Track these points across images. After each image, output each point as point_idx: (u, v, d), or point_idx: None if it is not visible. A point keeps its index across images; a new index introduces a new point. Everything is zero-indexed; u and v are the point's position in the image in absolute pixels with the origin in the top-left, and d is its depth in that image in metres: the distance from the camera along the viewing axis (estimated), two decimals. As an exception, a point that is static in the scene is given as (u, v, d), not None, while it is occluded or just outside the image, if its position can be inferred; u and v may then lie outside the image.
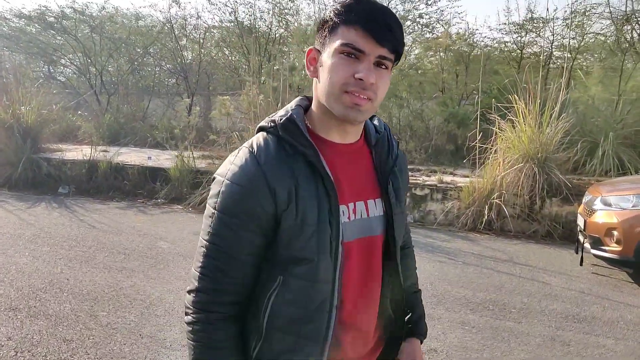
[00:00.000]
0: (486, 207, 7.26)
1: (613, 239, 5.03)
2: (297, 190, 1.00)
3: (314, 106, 1.11)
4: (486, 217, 7.17)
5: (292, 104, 1.12)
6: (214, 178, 1.06)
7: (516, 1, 15.19)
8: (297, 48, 12.38)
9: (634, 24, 12.32)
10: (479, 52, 11.80)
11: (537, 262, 5.81)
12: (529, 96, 7.48)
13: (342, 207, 1.06)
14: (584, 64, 12.56)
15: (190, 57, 15.47)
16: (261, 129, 1.10)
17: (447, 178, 8.39)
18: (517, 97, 7.68)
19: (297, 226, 1.01)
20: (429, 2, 14.12)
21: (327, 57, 1.03)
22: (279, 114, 1.08)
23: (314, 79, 1.09)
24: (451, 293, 4.72)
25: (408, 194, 7.97)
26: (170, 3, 18.87)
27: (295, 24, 14.41)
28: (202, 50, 14.95)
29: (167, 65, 15.78)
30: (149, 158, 9.65)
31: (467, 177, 8.60)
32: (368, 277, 1.13)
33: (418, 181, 8.24)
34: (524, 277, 5.24)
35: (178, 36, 14.97)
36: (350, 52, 1.00)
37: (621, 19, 12.16)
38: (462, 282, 5.04)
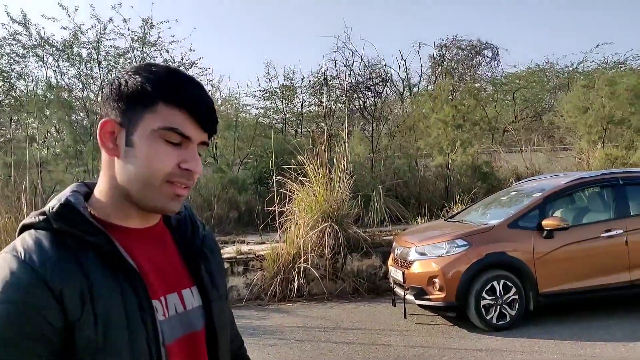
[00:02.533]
0: (294, 272, 6.93)
1: (436, 287, 5.22)
2: (92, 289, 0.82)
3: (103, 189, 0.93)
4: (296, 283, 6.83)
5: (67, 190, 0.94)
6: None
7: (275, 69, 16.04)
8: (36, 116, 10.35)
9: (359, 94, 14.40)
10: (248, 117, 11.89)
11: (365, 323, 5.66)
12: (317, 158, 7.63)
13: (155, 303, 0.89)
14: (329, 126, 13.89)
15: None
16: (25, 227, 0.88)
17: (244, 247, 7.82)
18: (303, 160, 7.77)
19: (99, 335, 0.80)
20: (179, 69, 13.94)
21: (140, 139, 0.88)
22: (49, 205, 0.89)
23: (111, 157, 0.91)
24: (308, 381, 4.09)
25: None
26: None
27: (25, 89, 12.20)
28: None
29: None
30: None
31: (263, 243, 8.22)
32: None
33: (215, 255, 7.43)
34: (364, 343, 4.97)
35: None
36: (174, 139, 0.88)
37: (349, 89, 14.06)
38: (310, 364, 4.47)
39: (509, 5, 30.08)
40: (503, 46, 22.30)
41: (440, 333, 5.20)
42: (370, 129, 12.32)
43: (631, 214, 5.40)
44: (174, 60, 14.09)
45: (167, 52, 13.94)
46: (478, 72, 13.81)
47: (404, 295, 5.53)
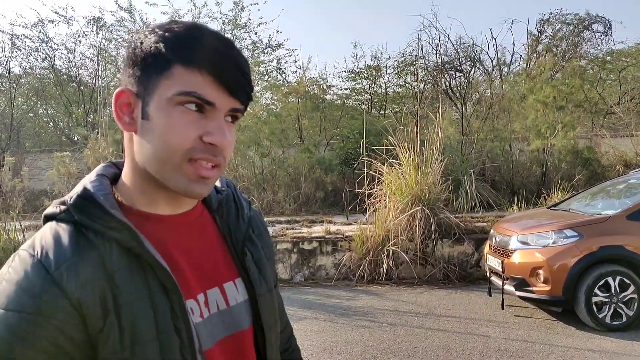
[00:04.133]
0: (383, 255, 6.82)
1: (540, 279, 4.88)
2: (116, 294, 0.70)
3: (127, 171, 0.81)
4: (385, 266, 6.71)
5: (92, 174, 0.81)
6: None
7: (362, 49, 15.88)
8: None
9: (444, 74, 13.77)
10: (334, 97, 11.81)
11: (458, 311, 5.44)
12: (408, 140, 7.40)
13: (190, 303, 0.77)
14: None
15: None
16: (48, 218, 0.76)
17: (333, 228, 7.81)
18: (393, 141, 7.56)
19: (126, 349, 0.69)
20: (266, 51, 14.13)
21: (156, 109, 0.74)
22: (74, 191, 0.77)
23: (130, 133, 0.78)
24: (405, 368, 3.99)
25: (290, 253, 7.19)
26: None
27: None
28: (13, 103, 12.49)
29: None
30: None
31: (350, 224, 8.18)
32: None
33: (303, 234, 7.50)
34: (460, 332, 4.77)
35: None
36: (196, 104, 0.73)
37: (435, 70, 13.48)
38: (405, 349, 4.35)
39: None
40: (618, 19, 20.41)
41: (543, 328, 4.87)
42: (461, 110, 11.77)
43: None
44: (261, 41, 14.35)
45: (256, 34, 14.22)
46: (584, 48, 12.69)
47: (502, 285, 5.24)
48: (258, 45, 14.37)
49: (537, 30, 12.48)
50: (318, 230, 7.70)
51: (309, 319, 5.27)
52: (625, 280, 4.67)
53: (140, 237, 0.74)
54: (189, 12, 14.10)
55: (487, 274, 5.75)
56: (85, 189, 0.77)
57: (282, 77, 14.11)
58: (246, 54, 14.59)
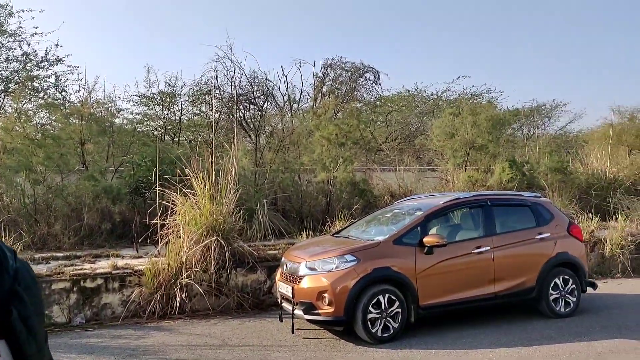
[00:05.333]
0: (176, 288, 6.59)
1: (325, 302, 5.30)
2: None
3: None
4: (178, 299, 6.49)
5: None
6: None
7: (156, 74, 15.16)
8: None
9: (239, 106, 14.32)
10: (123, 122, 11.12)
11: (252, 339, 5.56)
12: (203, 170, 7.39)
13: None
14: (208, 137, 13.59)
15: None
16: None
17: (121, 262, 7.24)
18: (187, 170, 7.47)
19: None
20: (42, 65, 12.72)
21: None
22: None
23: None
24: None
25: (69, 293, 6.45)
26: None
27: None
28: None
29: None
30: None
31: (140, 257, 7.70)
32: None
33: (85, 270, 6.79)
34: (254, 361, 4.87)
35: None
36: None
37: (229, 101, 13.92)
38: (199, 386, 4.25)
39: (385, 33, 32.23)
40: (384, 70, 23.76)
41: (328, 347, 5.29)
42: (254, 141, 12.25)
43: (497, 232, 6.03)
44: (36, 54, 12.80)
45: (29, 44, 12.63)
46: (359, 93, 14.51)
47: (292, 310, 5.54)
48: (32, 57, 12.78)
49: (322, 73, 13.84)
50: (104, 265, 7.05)
51: (90, 366, 4.76)
52: (392, 297, 5.39)
53: None
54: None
55: (279, 300, 6.01)
56: None
57: (62, 95, 12.79)
58: (15, 65, 12.84)
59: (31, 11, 12.17)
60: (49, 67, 12.88)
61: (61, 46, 14.30)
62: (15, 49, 12.68)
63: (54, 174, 9.62)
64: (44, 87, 12.82)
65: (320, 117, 11.02)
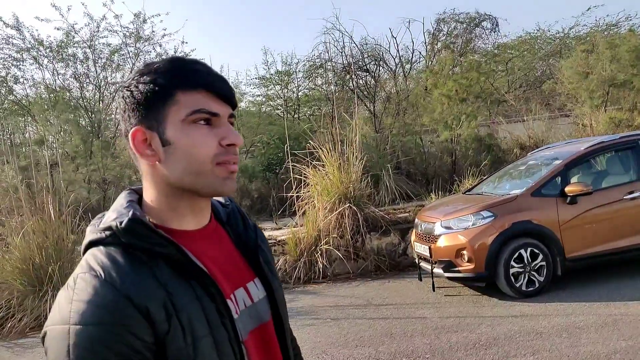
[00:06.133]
0: (317, 254, 7.03)
1: (464, 259, 5.32)
2: (173, 301, 0.83)
3: (154, 197, 0.93)
4: (320, 265, 6.93)
5: (123, 201, 0.92)
6: (45, 335, 0.81)
7: (272, 55, 16.03)
8: (41, 118, 10.28)
9: (352, 75, 14.37)
10: (248, 105, 11.85)
11: (394, 299, 5.77)
12: (330, 141, 7.67)
13: (227, 302, 0.91)
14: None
15: None
16: (92, 243, 0.88)
17: (265, 234, 7.87)
18: (314, 144, 7.80)
19: (189, 347, 0.82)
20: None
21: (175, 133, 0.88)
22: (111, 218, 0.88)
23: (153, 163, 0.90)
24: (354, 355, 4.20)
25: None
26: None
27: (25, 92, 12.09)
28: None
29: None
30: None
31: (279, 229, 8.31)
32: None
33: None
34: (400, 318, 5.08)
35: None
36: (205, 119, 0.89)
37: (342, 71, 14.02)
38: (352, 340, 4.57)
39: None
40: (502, 16, 22.27)
41: (471, 303, 5.32)
42: (371, 108, 12.30)
43: (651, 174, 5.51)
44: (167, 53, 14.01)
45: (160, 45, 13.85)
46: (476, 44, 13.79)
47: (432, 269, 5.64)
48: (164, 57, 14.02)
49: (435, 29, 13.37)
50: (250, 237, 7.73)
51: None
52: (535, 250, 5.23)
53: (186, 251, 0.86)
54: (86, 27, 13.45)
55: (416, 260, 6.14)
56: (134, 214, 0.87)
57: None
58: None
59: (159, 15, 13.32)
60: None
61: (187, 42, 15.56)
62: (150, 52, 14.02)
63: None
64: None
65: (437, 75, 10.73)
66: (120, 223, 0.86)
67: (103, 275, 0.81)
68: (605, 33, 14.99)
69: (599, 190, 5.45)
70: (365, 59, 14.16)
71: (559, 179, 5.45)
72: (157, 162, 0.90)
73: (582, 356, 3.74)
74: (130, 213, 0.87)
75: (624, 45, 10.29)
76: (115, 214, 0.89)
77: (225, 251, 1.00)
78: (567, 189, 5.31)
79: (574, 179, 5.55)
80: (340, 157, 7.67)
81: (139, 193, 0.97)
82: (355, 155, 7.85)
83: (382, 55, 14.18)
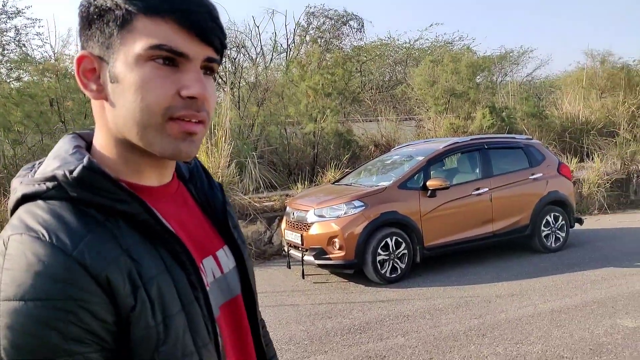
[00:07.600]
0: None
1: (335, 247, 5.48)
2: (139, 270, 0.67)
3: (104, 143, 0.75)
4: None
5: (67, 147, 0.73)
6: None
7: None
8: None
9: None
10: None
11: (264, 287, 5.71)
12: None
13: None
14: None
15: None
16: (27, 198, 0.68)
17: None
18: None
19: (159, 325, 0.67)
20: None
21: (124, 68, 0.68)
22: (52, 166, 0.70)
23: (100, 101, 0.72)
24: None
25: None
26: None
27: None
28: None
29: None
30: None
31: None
32: (242, 356, 0.86)
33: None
34: (272, 305, 5.04)
35: None
36: (166, 57, 0.68)
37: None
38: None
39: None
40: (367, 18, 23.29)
41: (340, 289, 5.50)
42: (232, 94, 12.06)
43: (494, 173, 6.27)
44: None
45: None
46: (343, 42, 14.33)
47: (302, 257, 5.70)
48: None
49: (305, 22, 13.57)
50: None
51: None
52: (399, 239, 5.61)
53: (153, 209, 0.70)
54: None
55: (285, 248, 6.15)
56: (90, 161, 0.68)
57: (22, 50, 12.16)
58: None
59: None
60: (8, 21, 12.15)
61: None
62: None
63: (33, 133, 9.31)
64: (3, 43, 12.12)
65: (305, 67, 10.90)
66: (71, 172, 0.67)
67: (47, 236, 0.62)
68: (441, 49, 16.74)
69: (453, 186, 6.05)
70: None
71: (421, 174, 5.92)
72: (104, 101, 0.71)
73: (445, 334, 4.10)
74: (86, 160, 0.68)
75: (463, 60, 11.60)
76: (59, 161, 0.70)
77: (193, 214, 0.85)
78: (428, 183, 5.79)
79: (434, 174, 6.06)
80: (208, 141, 7.36)
81: (86, 139, 0.78)
82: (224, 140, 7.61)
83: (243, 42, 13.99)
